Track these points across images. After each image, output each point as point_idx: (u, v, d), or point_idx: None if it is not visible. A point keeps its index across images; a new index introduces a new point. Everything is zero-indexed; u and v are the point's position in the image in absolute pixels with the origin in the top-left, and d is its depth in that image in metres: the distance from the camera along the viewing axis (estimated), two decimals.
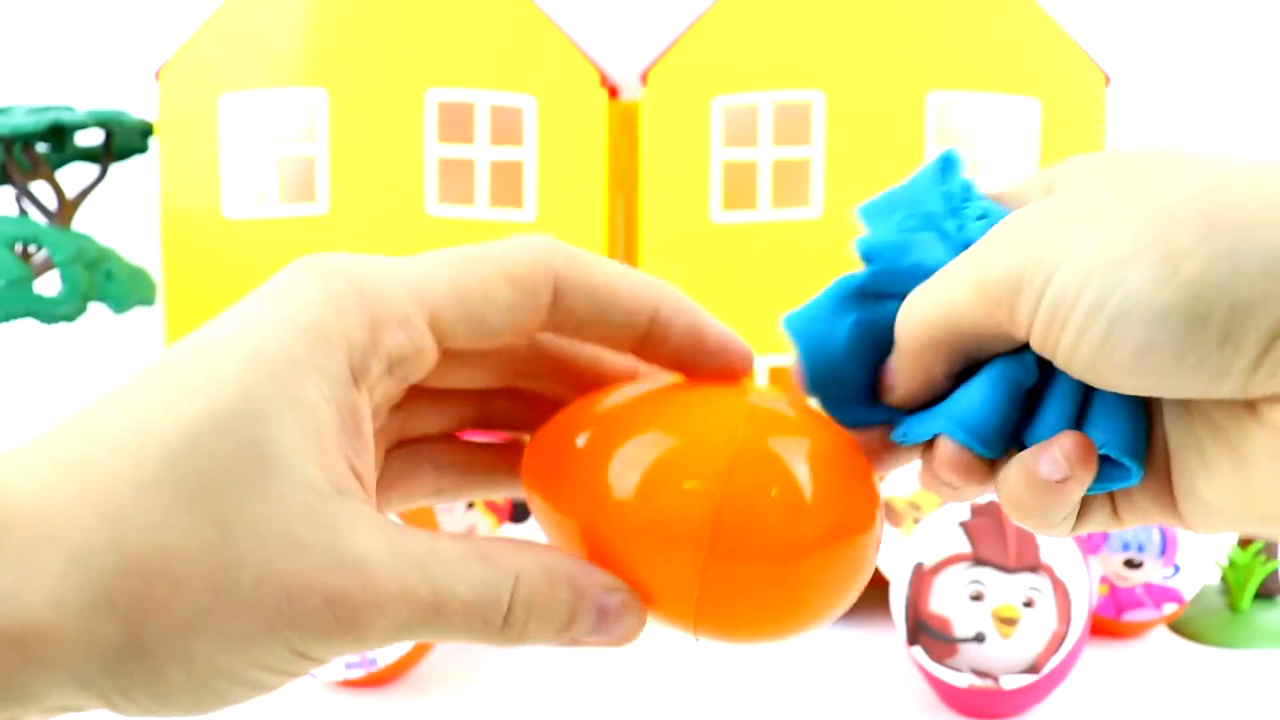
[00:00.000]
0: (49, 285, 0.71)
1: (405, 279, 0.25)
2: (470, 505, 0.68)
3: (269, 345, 0.23)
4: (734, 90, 0.73)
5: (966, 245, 0.27)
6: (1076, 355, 0.24)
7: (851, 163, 0.74)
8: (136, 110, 0.75)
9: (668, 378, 0.29)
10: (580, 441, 0.27)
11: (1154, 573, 0.67)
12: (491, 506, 0.68)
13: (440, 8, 0.73)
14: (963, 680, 0.57)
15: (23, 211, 0.74)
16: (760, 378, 0.76)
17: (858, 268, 0.28)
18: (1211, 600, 0.70)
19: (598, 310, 0.27)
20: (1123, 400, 0.25)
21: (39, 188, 0.74)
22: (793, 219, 0.75)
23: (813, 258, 0.75)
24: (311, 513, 0.23)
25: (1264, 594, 0.70)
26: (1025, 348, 0.26)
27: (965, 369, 0.27)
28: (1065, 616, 0.57)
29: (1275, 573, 0.71)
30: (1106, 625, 0.68)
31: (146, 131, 0.76)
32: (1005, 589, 0.57)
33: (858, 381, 0.28)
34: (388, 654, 0.60)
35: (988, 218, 0.27)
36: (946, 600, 0.58)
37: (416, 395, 0.29)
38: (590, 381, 0.30)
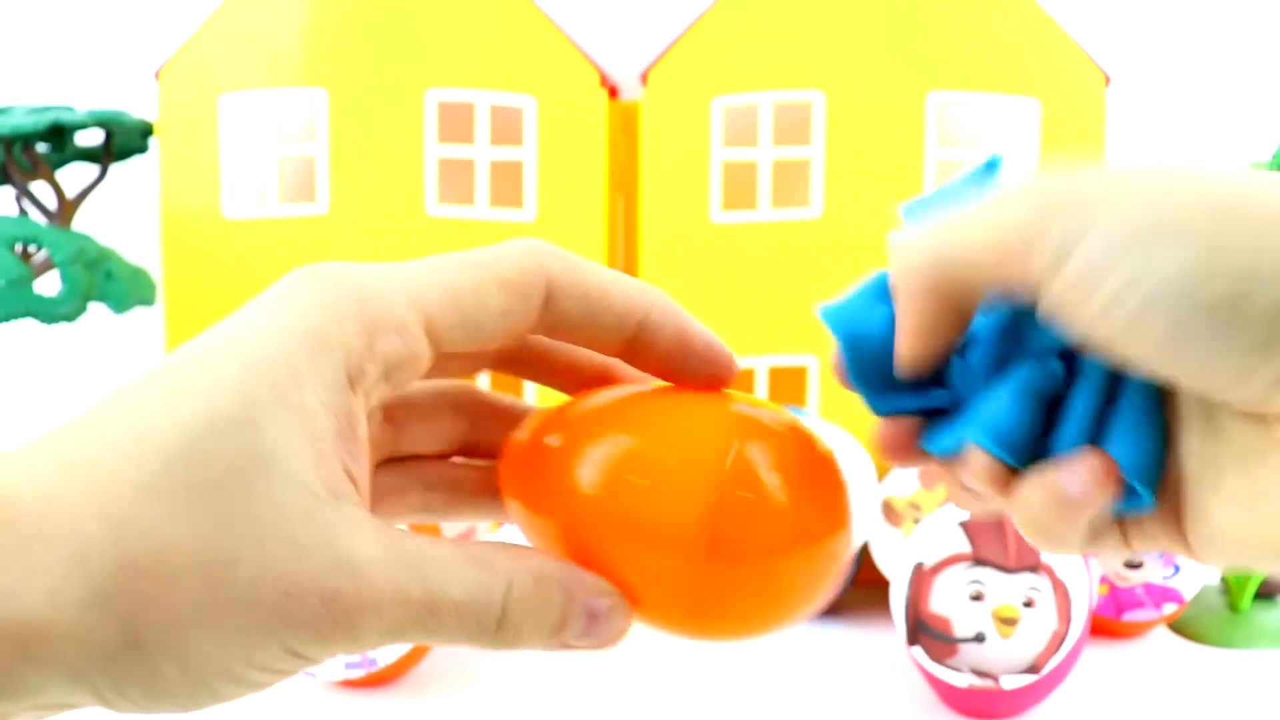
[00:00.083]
0: (49, 285, 0.71)
1: (401, 286, 0.25)
2: None
3: (268, 352, 0.24)
4: (734, 90, 0.73)
5: None
6: (1099, 327, 0.23)
7: (851, 163, 0.74)
8: (136, 110, 0.75)
9: (647, 383, 0.29)
10: (564, 445, 0.27)
11: (1154, 573, 0.67)
12: None
13: (440, 8, 0.73)
14: (963, 680, 0.57)
15: (23, 211, 0.74)
16: (761, 377, 0.76)
17: (874, 266, 0.28)
18: (1211, 600, 0.70)
19: (589, 313, 0.27)
20: (1143, 416, 0.25)
21: (39, 188, 0.74)
22: (793, 219, 0.75)
23: (813, 258, 0.75)
24: (308, 515, 0.23)
25: (1264, 594, 0.70)
26: (1052, 352, 0.25)
27: (974, 357, 0.27)
28: (1065, 616, 0.57)
29: (1275, 573, 0.71)
30: (1106, 625, 0.68)
31: (146, 131, 0.76)
32: (1005, 589, 0.57)
33: (894, 371, 0.28)
34: (388, 654, 0.60)
35: None
36: (946, 600, 0.58)
37: (408, 412, 0.30)
38: (573, 383, 0.30)
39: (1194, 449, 0.25)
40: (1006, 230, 0.24)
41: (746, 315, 0.76)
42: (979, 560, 0.58)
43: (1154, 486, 0.26)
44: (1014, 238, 0.24)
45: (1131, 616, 0.67)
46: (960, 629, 0.57)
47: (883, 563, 0.69)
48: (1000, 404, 0.26)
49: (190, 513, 0.23)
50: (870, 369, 0.28)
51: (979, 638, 0.57)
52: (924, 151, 0.74)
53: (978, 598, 0.57)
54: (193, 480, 0.23)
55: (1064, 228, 0.23)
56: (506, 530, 0.67)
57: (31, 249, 0.71)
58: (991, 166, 0.28)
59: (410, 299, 0.25)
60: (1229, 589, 0.70)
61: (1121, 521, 0.27)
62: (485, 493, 0.31)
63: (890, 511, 0.70)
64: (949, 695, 0.59)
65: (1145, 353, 0.23)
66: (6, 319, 0.68)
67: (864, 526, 0.70)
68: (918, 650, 0.57)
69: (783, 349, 0.76)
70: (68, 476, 0.23)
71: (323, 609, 0.23)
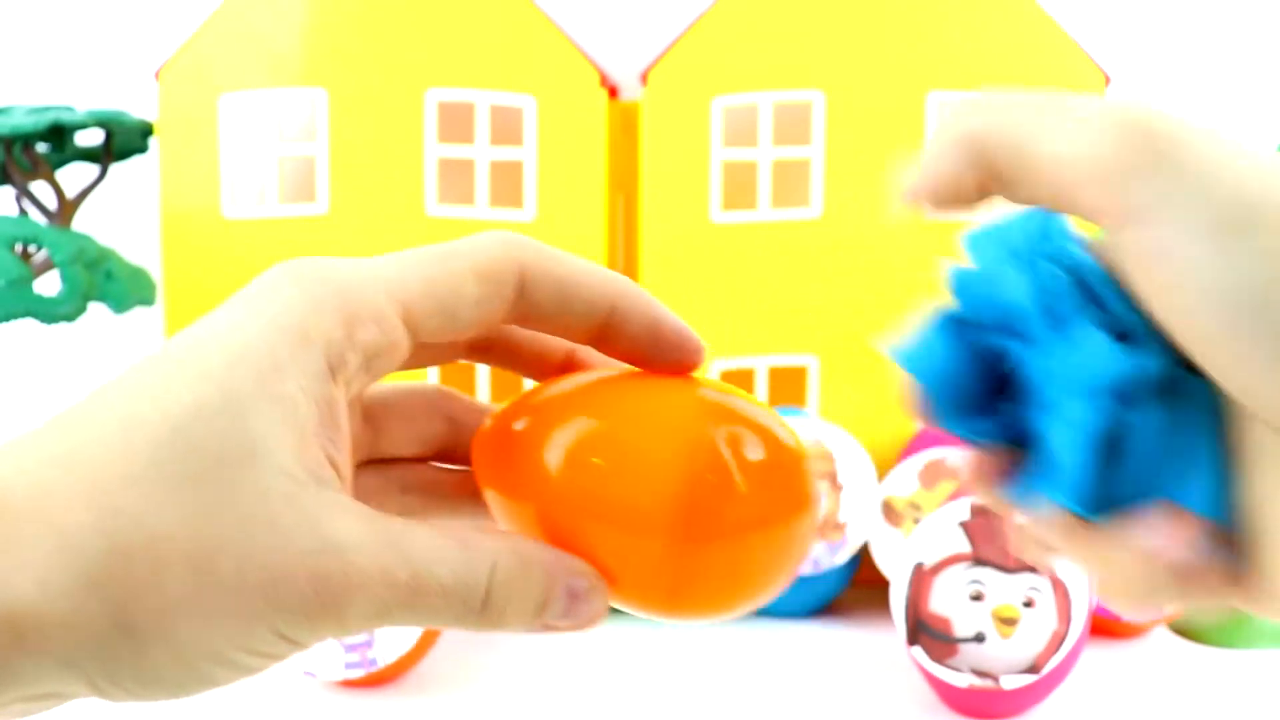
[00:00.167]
0: (49, 285, 0.71)
1: (379, 277, 0.26)
2: None
3: (251, 344, 0.24)
4: (734, 90, 0.73)
5: (1054, 288, 0.26)
6: (1161, 301, 0.23)
7: (851, 163, 0.74)
8: (136, 110, 0.75)
9: (616, 369, 0.30)
10: (538, 430, 0.27)
11: None
12: None
13: (440, 8, 0.73)
14: (963, 680, 0.57)
15: (23, 211, 0.74)
16: (761, 377, 0.76)
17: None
18: None
19: (561, 300, 0.28)
20: (1213, 456, 0.25)
21: (39, 188, 0.74)
22: (793, 219, 0.75)
23: (813, 258, 0.75)
24: (292, 500, 0.24)
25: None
26: (1133, 400, 0.24)
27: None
28: (1065, 616, 0.57)
29: None
30: (1106, 625, 0.68)
31: (146, 131, 0.76)
32: (1005, 589, 0.57)
33: (978, 400, 0.28)
34: (388, 654, 0.60)
35: (1078, 266, 0.26)
36: (946, 600, 0.58)
37: (386, 415, 0.30)
38: (543, 371, 0.31)
39: (1266, 493, 0.24)
40: (1080, 152, 0.24)
41: (746, 315, 0.76)
42: (979, 560, 0.58)
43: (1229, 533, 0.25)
44: (1086, 166, 0.24)
45: (1131, 616, 0.67)
46: (960, 629, 0.57)
47: (883, 563, 0.69)
48: (1069, 453, 0.25)
49: (177, 500, 0.23)
50: (951, 404, 0.28)
51: (979, 638, 0.57)
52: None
53: (978, 598, 0.57)
54: (179, 469, 0.23)
55: (1146, 186, 0.23)
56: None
57: (31, 249, 0.71)
58: (1057, 217, 0.28)
59: (388, 290, 0.26)
60: None
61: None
62: (463, 495, 0.31)
63: (890, 511, 0.70)
64: (949, 695, 0.59)
65: (1201, 347, 0.23)
66: (6, 319, 0.68)
67: (864, 526, 0.70)
68: (918, 650, 0.57)
69: (783, 349, 0.76)
70: (57, 469, 0.23)
71: (310, 591, 0.24)
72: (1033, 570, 0.57)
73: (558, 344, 0.31)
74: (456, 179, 0.75)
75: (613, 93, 0.74)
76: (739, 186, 0.75)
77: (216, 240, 0.75)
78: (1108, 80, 0.73)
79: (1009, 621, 0.57)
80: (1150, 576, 0.25)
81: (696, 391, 0.28)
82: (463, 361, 0.31)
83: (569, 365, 0.31)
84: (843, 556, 0.69)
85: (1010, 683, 0.56)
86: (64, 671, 0.23)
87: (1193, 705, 0.61)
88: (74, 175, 0.77)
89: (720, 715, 0.60)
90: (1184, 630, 0.70)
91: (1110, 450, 0.25)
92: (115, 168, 0.77)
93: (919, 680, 0.62)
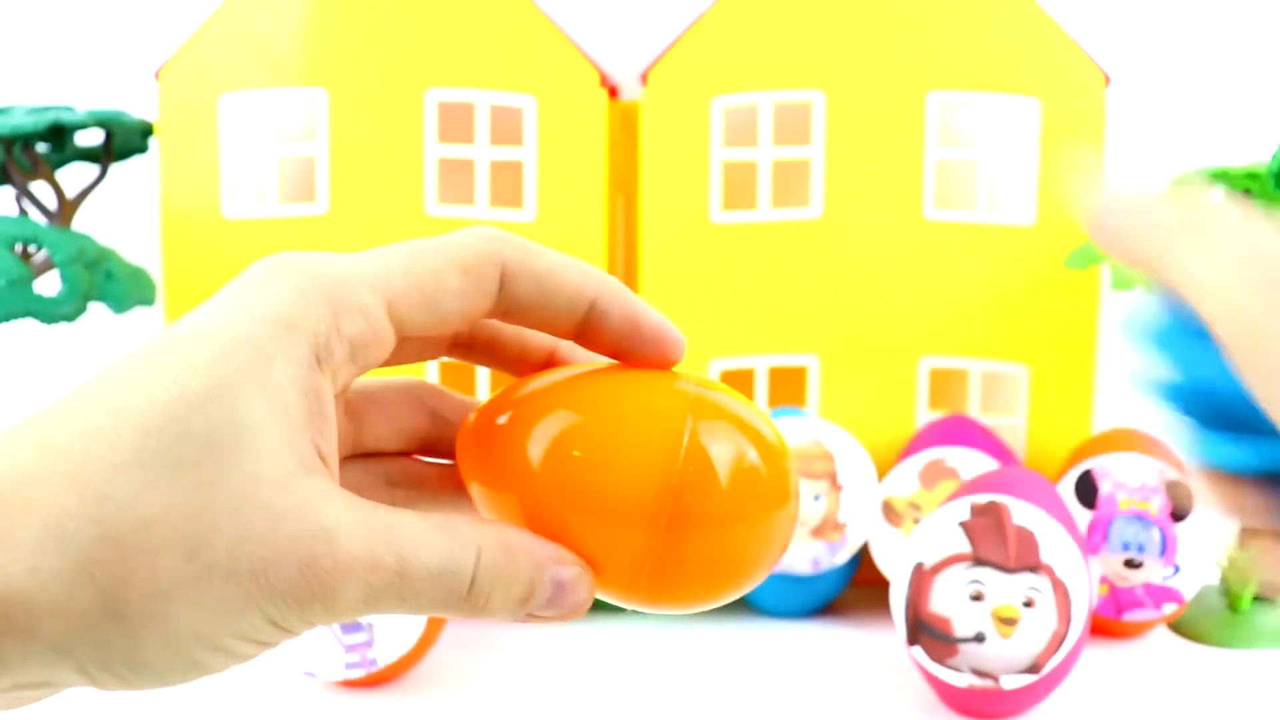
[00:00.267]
0: (49, 285, 0.71)
1: (363, 270, 0.26)
2: None
3: (238, 334, 0.25)
4: (734, 90, 0.73)
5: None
6: None
7: (851, 163, 0.74)
8: (136, 110, 0.75)
9: (598, 362, 0.30)
10: (523, 422, 0.28)
11: (1154, 573, 0.67)
12: None
13: (440, 8, 0.73)
14: (963, 680, 0.57)
15: (23, 211, 0.74)
16: (761, 377, 0.76)
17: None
18: (1211, 600, 0.70)
19: (542, 295, 0.28)
20: None
21: (39, 188, 0.74)
22: (793, 219, 0.75)
23: (813, 258, 0.75)
24: (282, 486, 0.24)
25: (1264, 594, 0.70)
26: None
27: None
28: (1065, 616, 0.57)
29: None
30: (1106, 625, 0.68)
31: (146, 131, 0.76)
32: (1005, 589, 0.57)
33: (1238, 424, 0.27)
34: (388, 654, 0.60)
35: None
36: (946, 600, 0.58)
37: (369, 408, 0.31)
38: (524, 366, 0.31)
39: None
40: (1239, 311, 0.24)
41: (746, 315, 0.76)
42: (979, 560, 0.58)
43: None
44: (1242, 324, 0.24)
45: (1131, 616, 0.67)
46: (960, 629, 0.57)
47: (883, 563, 0.69)
48: None
49: (167, 486, 0.23)
50: (1204, 412, 0.27)
51: (979, 638, 0.57)
52: (924, 151, 0.74)
53: (978, 598, 0.57)
54: (168, 456, 0.23)
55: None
56: None
57: (31, 249, 0.71)
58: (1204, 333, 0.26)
59: (372, 282, 0.26)
60: (1229, 589, 0.70)
61: None
62: (447, 489, 0.31)
63: (890, 511, 0.70)
64: (949, 695, 0.59)
65: None
66: (6, 319, 0.68)
67: (864, 526, 0.70)
68: (918, 650, 0.57)
69: (783, 349, 0.76)
70: (46, 457, 0.23)
71: (300, 576, 0.24)
72: (1033, 570, 0.57)
73: (540, 340, 0.31)
74: (456, 179, 0.75)
75: (613, 93, 0.74)
76: (739, 186, 0.75)
77: (216, 240, 0.75)
78: (1107, 80, 0.73)
79: (1009, 621, 0.57)
80: None
81: (677, 384, 0.28)
82: (446, 359, 0.31)
83: (551, 361, 0.31)
84: (843, 556, 0.69)
85: (1010, 683, 0.56)
86: (55, 658, 0.23)
87: (1193, 705, 0.61)
88: (74, 175, 0.77)
89: (720, 715, 0.60)
90: (1184, 630, 0.70)
91: None
92: (115, 168, 0.77)
93: (919, 680, 0.62)
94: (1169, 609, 0.67)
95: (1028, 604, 0.57)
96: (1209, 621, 0.69)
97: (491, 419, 0.29)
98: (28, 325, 0.70)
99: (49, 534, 0.23)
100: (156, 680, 0.24)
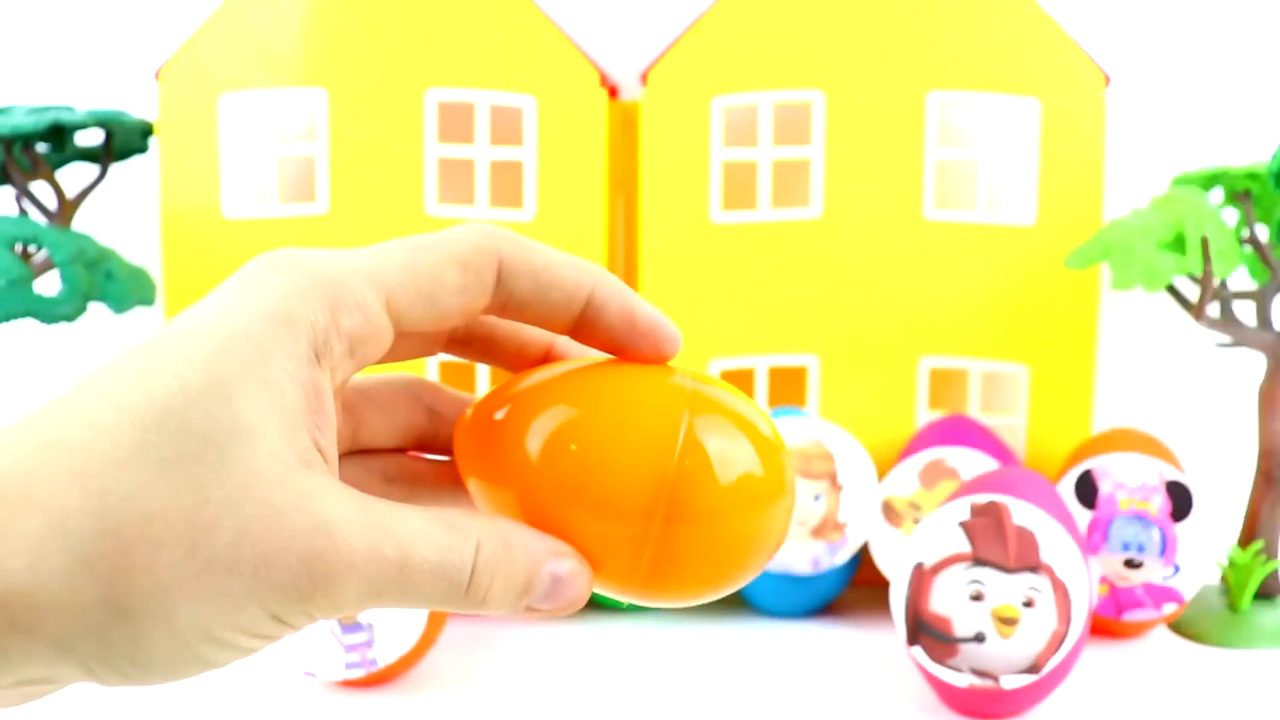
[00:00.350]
0: (49, 285, 0.71)
1: (361, 266, 0.26)
2: None
3: (237, 329, 0.25)
4: (734, 90, 0.73)
5: None
6: None
7: (851, 163, 0.74)
8: (136, 110, 0.75)
9: (594, 357, 0.30)
10: (520, 417, 0.28)
11: (1154, 573, 0.67)
12: None
13: (440, 8, 0.73)
14: (963, 680, 0.57)
15: (23, 211, 0.74)
16: (761, 377, 0.76)
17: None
18: (1211, 600, 0.70)
19: (539, 290, 0.28)
20: None
21: (39, 188, 0.74)
22: (793, 219, 0.75)
23: (813, 258, 0.75)
24: (282, 481, 0.24)
25: (1264, 594, 0.70)
26: None
27: None
28: (1065, 616, 0.57)
29: (1275, 573, 0.71)
30: (1106, 625, 0.68)
31: (146, 131, 0.76)
32: (1005, 589, 0.57)
33: None
34: (388, 654, 0.60)
35: None
36: (946, 600, 0.58)
37: (365, 405, 0.31)
38: (520, 363, 0.31)
39: None
40: None
41: (746, 315, 0.76)
42: (979, 560, 0.58)
43: None
44: None
45: (1131, 616, 0.67)
46: (960, 629, 0.57)
47: (883, 563, 0.69)
48: None
49: (168, 481, 0.23)
50: None
51: (979, 638, 0.57)
52: (924, 151, 0.74)
53: (978, 598, 0.57)
54: (168, 451, 0.23)
55: None
56: None
57: (31, 249, 0.71)
58: None
59: (370, 278, 0.26)
60: (1229, 589, 0.70)
61: None
62: (445, 485, 0.31)
63: (890, 511, 0.70)
64: (949, 695, 0.59)
65: None
66: (6, 319, 0.68)
67: (864, 526, 0.70)
68: (918, 650, 0.58)
69: (783, 349, 0.76)
70: (46, 453, 0.23)
71: (301, 569, 0.24)
72: (1033, 570, 0.57)
73: (536, 335, 0.31)
74: (456, 179, 0.75)
75: (613, 93, 0.74)
76: (739, 186, 0.75)
77: (216, 240, 0.75)
78: (1107, 80, 0.73)
79: (1009, 621, 0.57)
80: None
81: (673, 379, 0.28)
82: (446, 359, 0.31)
83: (548, 357, 0.31)
84: (843, 556, 0.69)
85: (1010, 683, 0.56)
86: (57, 654, 0.23)
87: (1193, 705, 0.61)
88: (74, 175, 0.77)
89: (720, 715, 0.60)
90: (1184, 630, 0.70)
91: None
92: (115, 168, 0.77)
93: (919, 680, 0.62)
94: (1169, 609, 0.67)
95: (1028, 604, 0.57)
96: (1209, 621, 0.69)
97: (489, 414, 0.29)
98: (28, 325, 0.70)
99: (50, 529, 0.23)
100: (159, 675, 0.24)
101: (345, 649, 0.60)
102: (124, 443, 0.23)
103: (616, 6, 0.81)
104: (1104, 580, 0.67)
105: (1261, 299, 0.69)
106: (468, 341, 0.31)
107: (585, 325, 0.29)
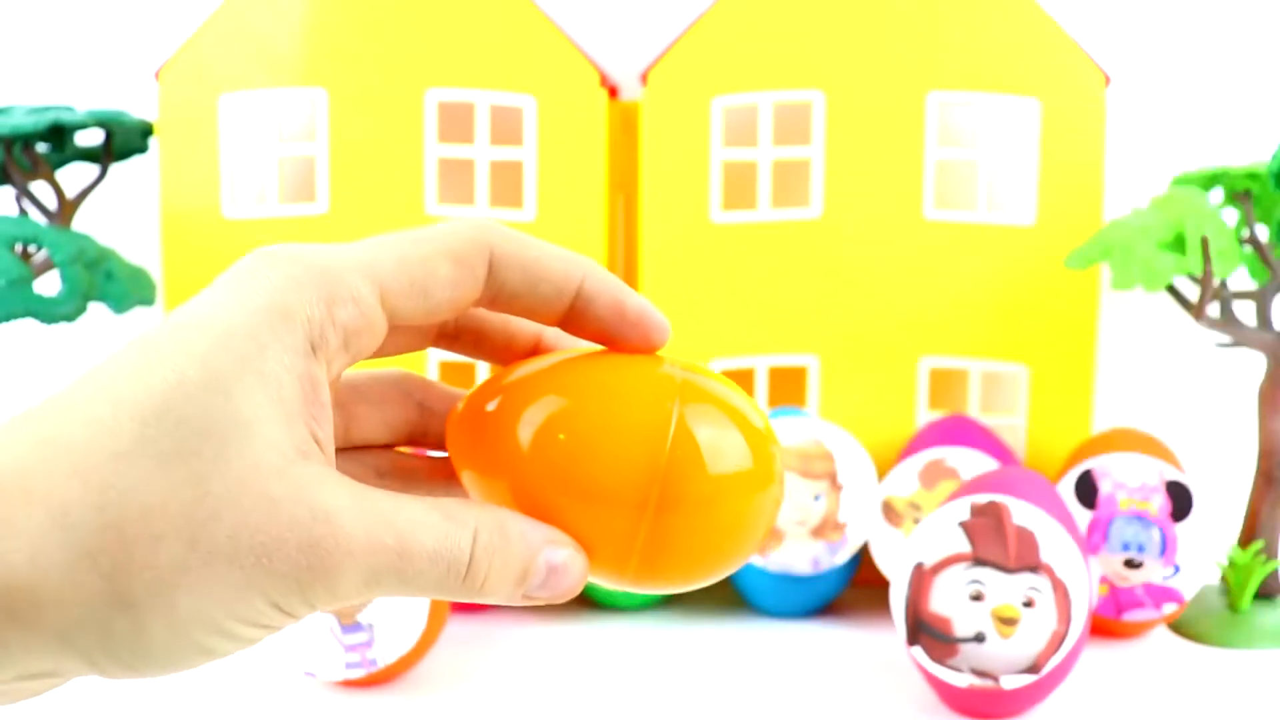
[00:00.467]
0: (49, 285, 0.71)
1: (355, 259, 0.27)
2: None
3: (234, 323, 0.25)
4: (734, 90, 0.73)
5: None
6: None
7: (851, 163, 0.74)
8: (136, 110, 0.75)
9: (584, 348, 0.31)
10: (513, 407, 0.28)
11: (1154, 573, 0.67)
12: None
13: (440, 8, 0.73)
14: (963, 680, 0.57)
15: (23, 211, 0.74)
16: (761, 377, 0.76)
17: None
18: (1211, 600, 0.70)
19: (529, 282, 0.29)
20: None
21: (39, 188, 0.74)
22: (793, 219, 0.75)
23: (813, 258, 0.75)
24: (281, 472, 0.24)
25: (1264, 594, 0.70)
26: None
27: None
28: (1065, 616, 0.57)
29: (1275, 573, 0.71)
30: (1106, 625, 0.68)
31: (146, 131, 0.76)
32: (1005, 589, 0.57)
33: None
34: (388, 654, 0.60)
35: None
36: (946, 600, 0.58)
37: (357, 401, 0.31)
38: (511, 356, 0.32)
39: None
40: None
41: (746, 315, 0.76)
42: (979, 560, 0.58)
43: None
44: None
45: (1131, 616, 0.67)
46: (960, 629, 0.57)
47: (883, 563, 0.69)
48: None
49: (167, 474, 0.24)
50: None
51: (979, 638, 0.57)
52: (924, 151, 0.74)
53: (978, 598, 0.57)
54: (167, 444, 0.24)
55: None
56: None
57: (31, 249, 0.71)
58: None
59: (364, 270, 0.27)
60: (1229, 589, 0.70)
61: None
62: (438, 479, 0.32)
63: (890, 511, 0.70)
64: (949, 695, 0.59)
65: None
66: (6, 319, 0.68)
67: (864, 526, 0.70)
68: (918, 650, 0.58)
69: (783, 349, 0.76)
70: (46, 449, 0.24)
71: (301, 558, 0.24)
72: (1033, 570, 0.57)
73: (526, 328, 0.31)
74: (456, 179, 0.75)
75: (613, 93, 0.74)
76: (739, 186, 0.75)
77: (216, 240, 0.75)
78: (1107, 80, 0.73)
79: (1009, 621, 0.57)
80: None
81: (664, 369, 0.29)
82: (445, 360, 0.31)
83: (538, 349, 0.32)
84: (843, 556, 0.69)
85: (1010, 683, 0.56)
86: (60, 647, 0.23)
87: (1193, 705, 0.61)
88: (74, 175, 0.77)
89: (720, 715, 0.60)
90: (1184, 630, 0.70)
91: None
92: (115, 168, 0.77)
93: (919, 680, 0.62)
94: (1169, 609, 0.67)
95: (1028, 604, 0.57)
96: (1209, 621, 0.69)
97: (481, 405, 0.29)
98: (28, 325, 0.70)
99: (52, 523, 0.23)
100: (161, 666, 0.24)
101: (345, 649, 0.60)
102: (123, 437, 0.24)
103: (616, 6, 0.81)
104: (1104, 580, 0.67)
105: (1261, 299, 0.69)
106: (457, 335, 0.31)
107: (575, 316, 0.29)
